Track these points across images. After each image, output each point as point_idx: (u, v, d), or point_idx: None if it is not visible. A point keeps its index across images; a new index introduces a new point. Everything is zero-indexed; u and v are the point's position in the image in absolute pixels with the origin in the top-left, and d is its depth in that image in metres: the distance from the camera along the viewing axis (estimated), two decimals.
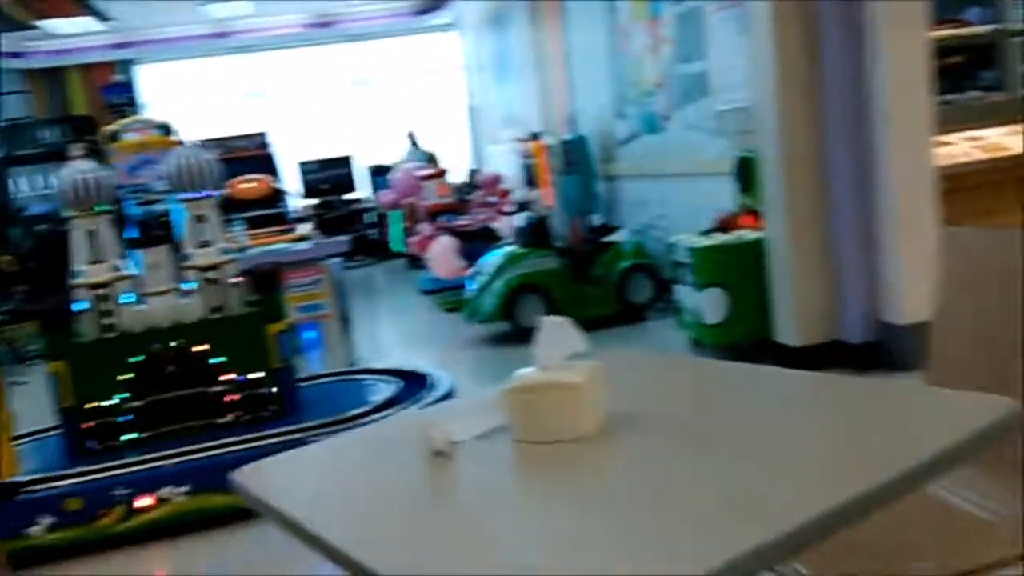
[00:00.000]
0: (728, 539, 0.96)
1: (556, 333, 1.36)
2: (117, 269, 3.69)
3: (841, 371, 3.94)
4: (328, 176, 11.74)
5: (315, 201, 11.31)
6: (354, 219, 11.56)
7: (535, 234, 6.02)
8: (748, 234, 4.62)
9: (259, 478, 1.39)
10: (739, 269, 4.51)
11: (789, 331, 4.33)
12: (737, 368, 1.83)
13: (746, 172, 4.70)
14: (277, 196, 8.31)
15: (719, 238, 4.67)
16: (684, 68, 5.85)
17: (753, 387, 1.63)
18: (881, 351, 4.15)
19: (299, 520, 1.20)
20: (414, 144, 11.56)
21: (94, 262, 3.67)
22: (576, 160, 7.27)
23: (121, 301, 3.66)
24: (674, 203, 6.28)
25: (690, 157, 5.86)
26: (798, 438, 1.31)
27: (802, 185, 4.24)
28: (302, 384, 4.05)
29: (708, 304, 4.55)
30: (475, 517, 1.20)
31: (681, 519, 1.05)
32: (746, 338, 4.59)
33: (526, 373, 1.37)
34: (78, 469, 3.42)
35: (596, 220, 7.29)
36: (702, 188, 5.74)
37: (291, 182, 10.82)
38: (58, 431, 3.69)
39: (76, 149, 3.89)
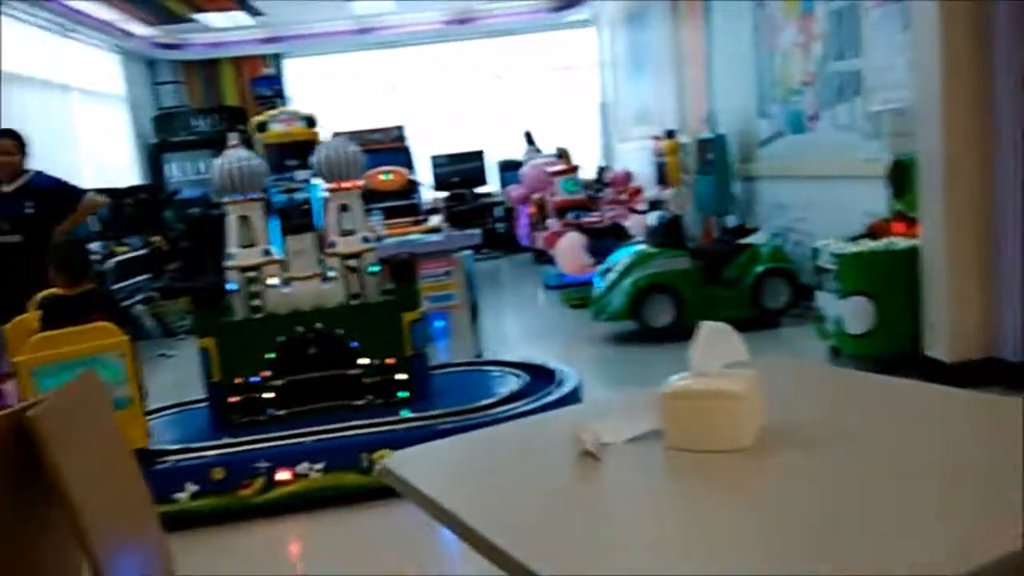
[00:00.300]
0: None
1: (715, 339, 1.30)
2: (267, 253, 3.86)
3: (996, 391, 3.66)
4: (459, 170, 11.93)
5: (445, 194, 11.53)
6: (483, 212, 11.71)
7: (667, 233, 5.90)
8: (900, 241, 4.36)
9: (409, 464, 1.40)
10: (889, 278, 4.27)
11: (941, 346, 4.06)
12: (895, 384, 1.72)
13: (901, 176, 4.44)
14: (412, 188, 8.53)
15: (868, 244, 4.43)
16: (836, 66, 5.59)
17: (913, 404, 1.52)
18: None
19: (450, 508, 1.20)
20: (530, 142, 11.59)
21: (245, 246, 3.85)
22: (713, 159, 7.09)
23: (268, 284, 3.82)
24: (817, 206, 6.02)
25: (838, 158, 5.59)
26: (962, 465, 1.21)
27: (963, 192, 3.96)
28: (432, 372, 4.13)
29: (852, 313, 4.33)
30: (625, 522, 1.17)
31: (837, 544, 0.98)
32: (891, 351, 4.33)
33: (682, 379, 1.32)
34: (223, 441, 3.60)
35: (732, 221, 7.09)
36: (849, 191, 5.47)
37: (424, 175, 11.08)
38: (205, 404, 3.90)
39: (232, 138, 4.08)
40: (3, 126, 4.80)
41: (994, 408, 1.49)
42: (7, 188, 4.55)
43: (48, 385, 3.11)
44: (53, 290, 3.57)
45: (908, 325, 4.22)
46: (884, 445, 1.30)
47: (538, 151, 11.39)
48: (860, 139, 5.34)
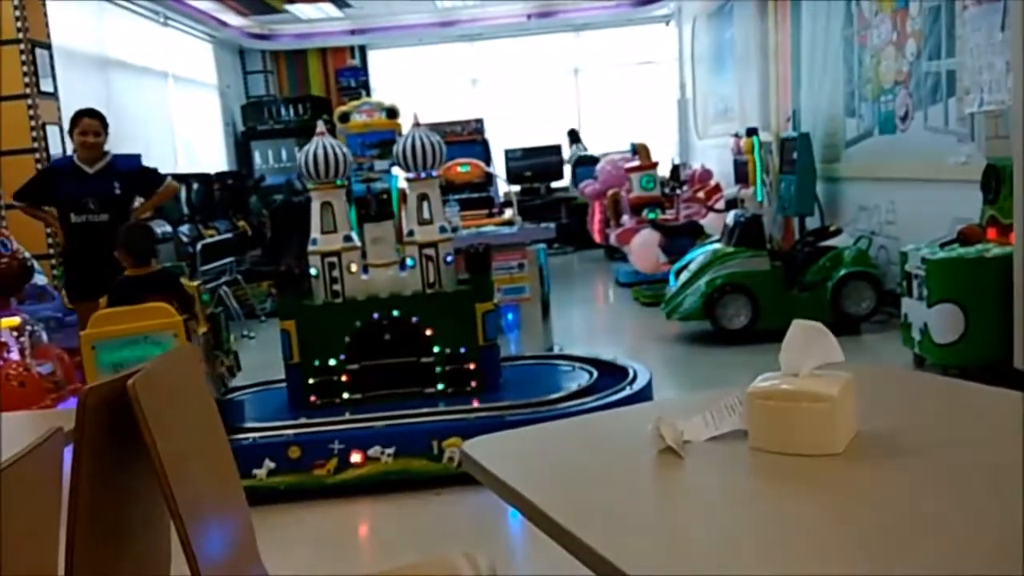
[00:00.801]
0: None
1: (809, 338, 1.27)
2: (348, 240, 3.94)
3: None
4: (533, 164, 11.93)
5: (518, 187, 11.55)
6: (557, 207, 11.70)
7: (746, 233, 5.78)
8: (993, 248, 4.19)
9: (487, 450, 1.41)
10: (980, 286, 4.11)
11: None
12: (992, 392, 1.65)
13: (996, 181, 4.26)
14: (488, 180, 8.57)
15: (959, 251, 4.26)
16: (930, 65, 5.39)
17: (1010, 415, 1.46)
18: None
19: (528, 497, 1.20)
20: (576, 140, 11.48)
21: (327, 232, 3.93)
22: (796, 159, 6.92)
23: (348, 270, 3.90)
24: (906, 210, 5.82)
25: (929, 161, 5.40)
26: None
27: None
28: (503, 364, 4.15)
29: (940, 322, 4.18)
30: (706, 521, 1.15)
31: (925, 558, 0.95)
32: (980, 362, 4.17)
33: (771, 378, 1.29)
34: (301, 420, 3.70)
35: (814, 223, 6.91)
36: (940, 195, 5.27)
37: (499, 168, 11.12)
38: (285, 384, 4.00)
39: (319, 126, 4.17)
40: (106, 111, 4.95)
41: None
42: (91, 169, 4.67)
43: (106, 359, 3.36)
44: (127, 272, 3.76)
45: (998, 336, 4.05)
46: (978, 456, 1.25)
47: (585, 149, 11.33)
48: (953, 141, 5.14)
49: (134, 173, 5.02)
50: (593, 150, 12.01)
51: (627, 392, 3.78)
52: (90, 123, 4.66)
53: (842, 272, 5.54)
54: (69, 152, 5.13)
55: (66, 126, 5.01)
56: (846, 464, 1.21)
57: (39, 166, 5.64)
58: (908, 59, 5.66)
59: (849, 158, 6.72)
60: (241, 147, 11.55)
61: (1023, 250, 3.95)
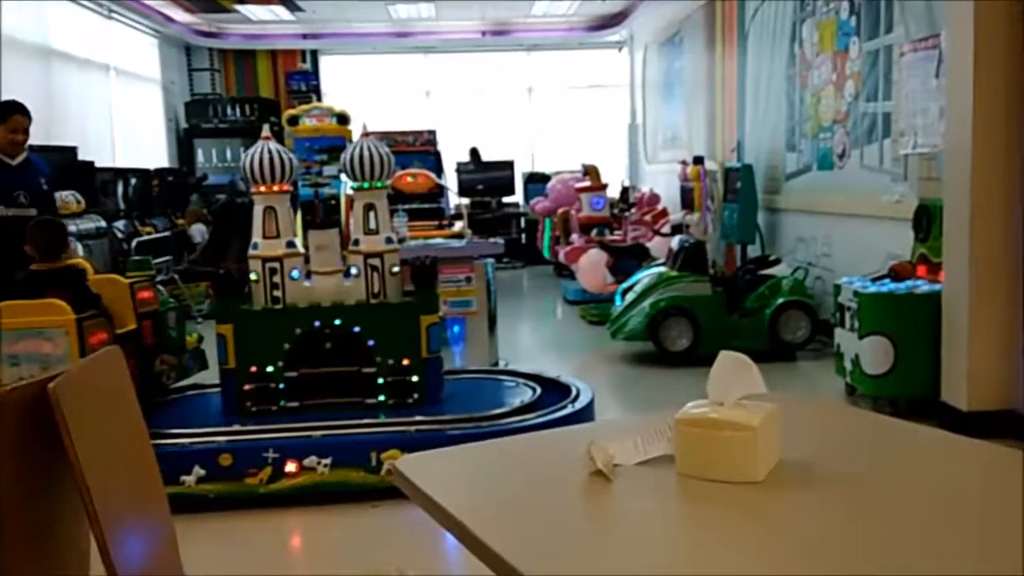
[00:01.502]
0: None
1: (734, 369, 1.31)
2: (291, 245, 3.89)
3: (1012, 443, 3.64)
4: (485, 178, 11.97)
5: (469, 201, 11.57)
6: (508, 222, 11.75)
7: (690, 258, 5.89)
8: (923, 285, 4.34)
9: (419, 467, 1.41)
10: (909, 321, 4.25)
11: (958, 393, 4.03)
12: (912, 428, 1.71)
13: (927, 220, 4.42)
14: (438, 192, 8.56)
15: (890, 285, 4.41)
16: (867, 107, 5.58)
17: (930, 450, 1.52)
18: None
19: (458, 517, 1.21)
20: (477, 160, 11.56)
21: (270, 237, 3.88)
22: (739, 188, 7.08)
23: (290, 276, 3.85)
24: (841, 243, 6.00)
25: (864, 198, 5.58)
26: (976, 514, 1.21)
27: (990, 240, 3.94)
28: (446, 377, 4.14)
29: (871, 353, 4.31)
30: (631, 545, 1.17)
31: None
32: (908, 394, 4.31)
33: (698, 406, 1.32)
34: (234, 427, 3.63)
35: (754, 251, 7.08)
36: (874, 231, 5.45)
37: (451, 180, 11.13)
38: (219, 389, 3.93)
39: (266, 129, 4.12)
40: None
41: (1006, 459, 1.49)
42: (13, 162, 4.53)
43: (3, 351, 3.42)
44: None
45: (926, 370, 4.20)
46: (895, 489, 1.29)
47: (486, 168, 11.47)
48: (887, 180, 5.33)
49: (45, 174, 4.86)
50: (545, 168, 12.12)
51: (569, 410, 3.79)
52: (22, 120, 4.55)
53: (780, 300, 5.68)
54: None
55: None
56: (765, 492, 1.24)
57: None
58: (847, 100, 5.85)
59: (789, 191, 6.91)
60: (184, 144, 11.34)
61: (952, 288, 4.11)
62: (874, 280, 4.53)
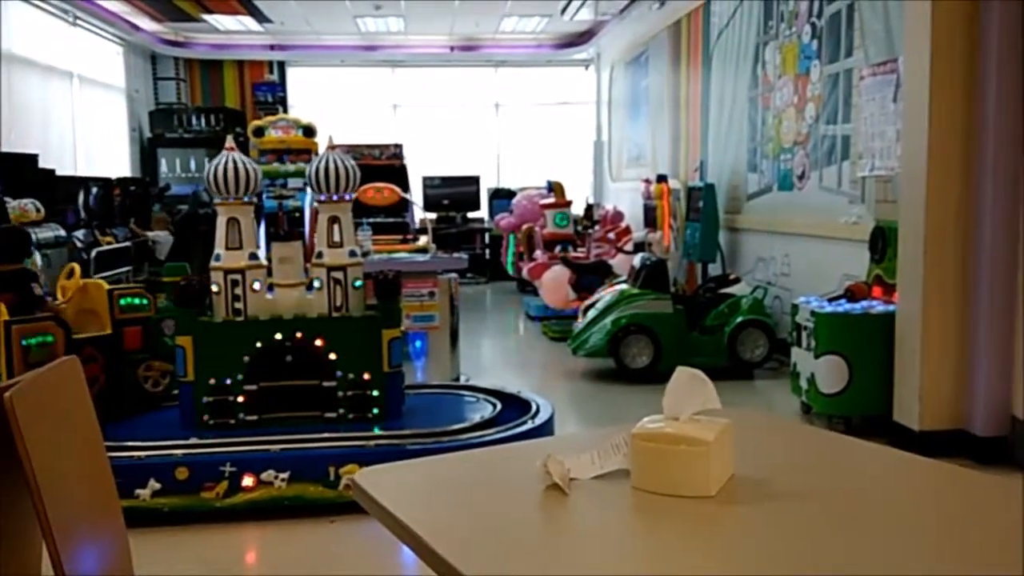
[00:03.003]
0: None
1: (689, 385, 1.34)
2: (254, 257, 3.87)
3: (962, 463, 3.73)
4: (450, 193, 11.99)
5: (434, 215, 11.58)
6: (472, 237, 11.78)
7: (651, 276, 5.96)
8: (878, 305, 4.44)
9: (377, 480, 1.41)
10: (864, 341, 4.34)
11: (910, 413, 4.12)
12: (864, 446, 1.76)
13: (883, 242, 4.53)
14: (403, 206, 8.56)
15: (846, 306, 4.50)
16: (827, 129, 5.71)
17: (881, 468, 1.56)
18: (1008, 448, 3.90)
19: (414, 529, 1.22)
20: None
21: (232, 248, 3.85)
22: (701, 207, 7.19)
23: (252, 288, 3.83)
24: (799, 263, 6.12)
25: (822, 219, 5.70)
26: (924, 531, 1.25)
27: (943, 263, 4.05)
28: (407, 391, 4.13)
29: (826, 372, 4.39)
30: (584, 558, 1.19)
31: None
32: (862, 413, 4.40)
33: (654, 421, 1.35)
34: (191, 440, 3.58)
35: (715, 270, 7.18)
36: (831, 252, 5.57)
37: (416, 195, 11.12)
38: (176, 402, 3.87)
39: (230, 139, 4.09)
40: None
41: (957, 478, 1.54)
42: None
43: None
44: None
45: (880, 389, 4.28)
46: (847, 505, 1.33)
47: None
48: (845, 202, 5.45)
49: None
50: (511, 184, 12.18)
51: (529, 426, 3.80)
52: None
53: (739, 319, 5.76)
54: None
55: None
56: (717, 506, 1.27)
57: None
58: (807, 122, 5.99)
59: (750, 210, 7.03)
60: (147, 154, 11.21)
61: (905, 309, 4.21)
62: (830, 300, 4.62)
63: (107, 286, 4.10)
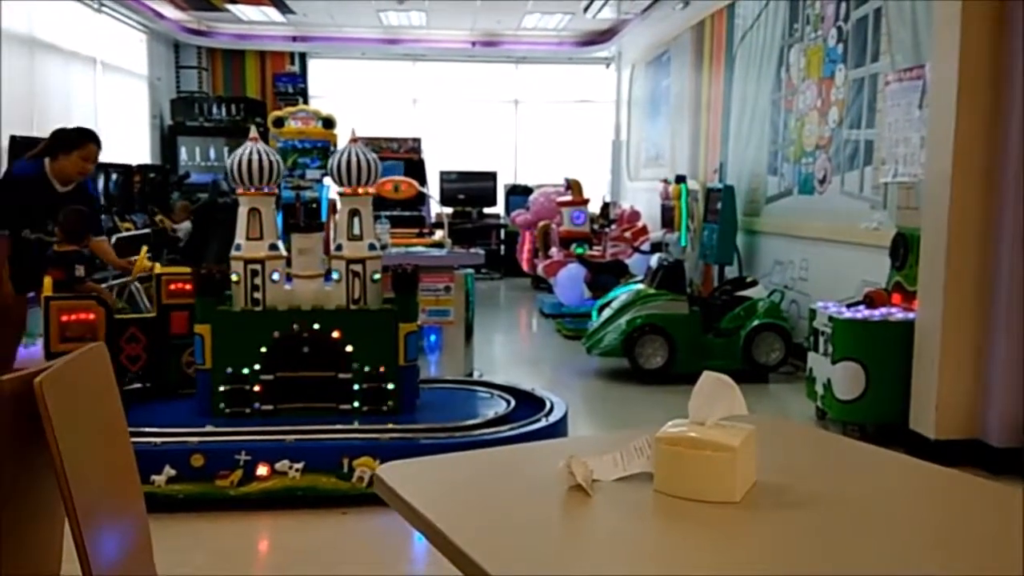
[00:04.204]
0: None
1: (717, 389, 1.33)
2: (274, 248, 3.88)
3: (976, 473, 3.70)
4: (467, 188, 12.00)
5: (451, 210, 11.59)
6: (488, 233, 11.78)
7: (668, 277, 5.94)
8: (897, 313, 4.41)
9: (400, 475, 1.42)
10: (882, 348, 4.31)
11: (926, 422, 4.10)
12: (887, 455, 1.75)
13: (904, 249, 4.50)
14: (421, 200, 8.57)
15: (864, 312, 4.47)
16: (850, 134, 5.68)
17: (903, 477, 1.55)
18: (1023, 459, 3.88)
19: (439, 526, 1.22)
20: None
21: (254, 239, 3.87)
22: (719, 209, 7.16)
23: (271, 279, 3.84)
24: (817, 268, 6.08)
25: (843, 224, 5.67)
26: (945, 541, 1.24)
27: (965, 271, 4.02)
28: (421, 386, 4.14)
29: (843, 378, 4.36)
30: (606, 560, 1.18)
31: None
32: (878, 420, 4.38)
33: (679, 425, 1.34)
34: (207, 428, 3.61)
35: (732, 272, 7.15)
36: (851, 257, 5.53)
37: (433, 189, 11.14)
38: (194, 389, 3.90)
39: (253, 130, 4.11)
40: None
41: (976, 488, 1.53)
42: (62, 188, 4.43)
43: None
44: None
45: (897, 397, 4.26)
46: (868, 513, 1.32)
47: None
48: (866, 208, 5.41)
49: (93, 199, 4.78)
50: (528, 181, 12.18)
51: (543, 424, 3.80)
52: (95, 151, 4.46)
53: (755, 322, 5.74)
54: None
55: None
56: (741, 513, 1.26)
57: None
58: (830, 126, 5.95)
59: (769, 213, 6.99)
60: (167, 142, 11.26)
61: (925, 317, 4.18)
62: (849, 306, 4.59)
63: (161, 269, 4.24)
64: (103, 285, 4.63)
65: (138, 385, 4.09)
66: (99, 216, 4.90)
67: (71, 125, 8.33)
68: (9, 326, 4.44)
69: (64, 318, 3.93)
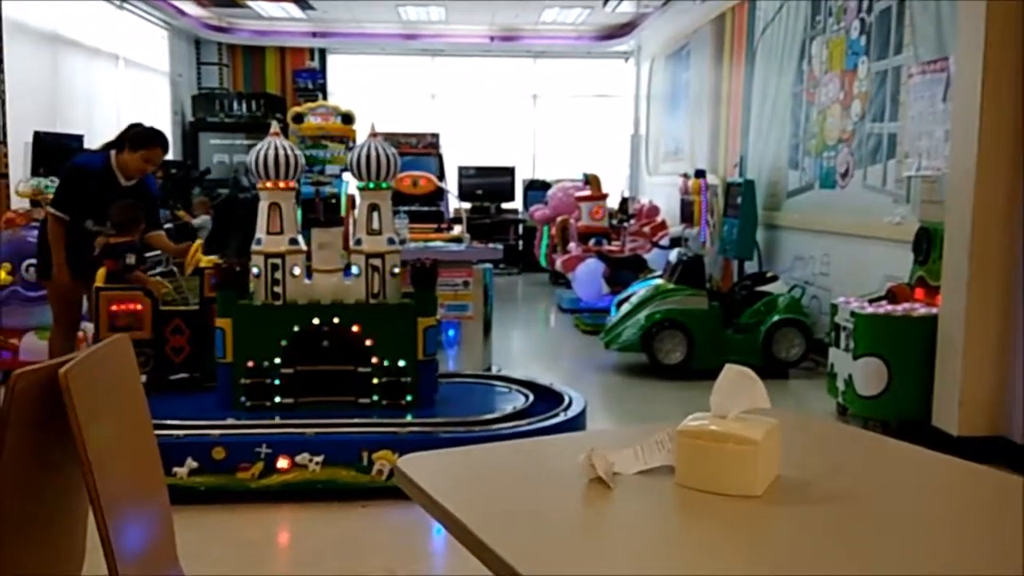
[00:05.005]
0: None
1: (739, 383, 1.32)
2: (294, 242, 3.90)
3: (1001, 470, 3.66)
4: (485, 183, 11.99)
5: (469, 205, 11.60)
6: (506, 228, 11.77)
7: (687, 272, 5.91)
8: (920, 308, 4.36)
9: (421, 467, 1.42)
10: (905, 344, 4.27)
11: (949, 418, 4.06)
12: (911, 450, 1.73)
13: (927, 244, 4.45)
14: (439, 195, 8.58)
15: (887, 307, 4.43)
16: (873, 127, 5.62)
17: (927, 472, 1.54)
18: None
19: (460, 518, 1.22)
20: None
21: (273, 233, 3.89)
22: (740, 204, 7.11)
23: (291, 273, 3.86)
24: (839, 262, 6.03)
25: (865, 219, 5.61)
26: (969, 536, 1.23)
27: (989, 267, 3.97)
28: (440, 380, 4.14)
29: (865, 374, 4.32)
30: (627, 552, 1.18)
31: None
32: (900, 417, 4.33)
33: (700, 418, 1.33)
34: (228, 421, 3.63)
35: (751, 267, 7.10)
36: (873, 252, 5.48)
37: (451, 184, 11.15)
38: (215, 382, 3.93)
39: (274, 125, 4.13)
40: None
41: (1000, 483, 1.51)
42: (125, 182, 4.46)
43: None
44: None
45: (919, 393, 4.22)
46: (893, 508, 1.31)
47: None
48: (889, 202, 5.36)
49: (153, 195, 4.78)
50: (546, 176, 12.16)
51: (561, 418, 3.80)
52: (160, 155, 4.48)
53: (775, 318, 5.70)
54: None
55: (10, 96, 4.79)
56: (763, 507, 1.26)
57: None
58: (853, 119, 5.89)
59: (789, 208, 6.94)
60: (188, 137, 11.34)
61: (948, 313, 4.13)
62: (871, 301, 4.55)
63: (206, 263, 4.28)
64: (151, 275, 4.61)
65: (184, 375, 4.15)
66: (158, 211, 4.92)
67: (93, 122, 8.41)
68: (67, 311, 4.51)
69: (113, 308, 4.06)
